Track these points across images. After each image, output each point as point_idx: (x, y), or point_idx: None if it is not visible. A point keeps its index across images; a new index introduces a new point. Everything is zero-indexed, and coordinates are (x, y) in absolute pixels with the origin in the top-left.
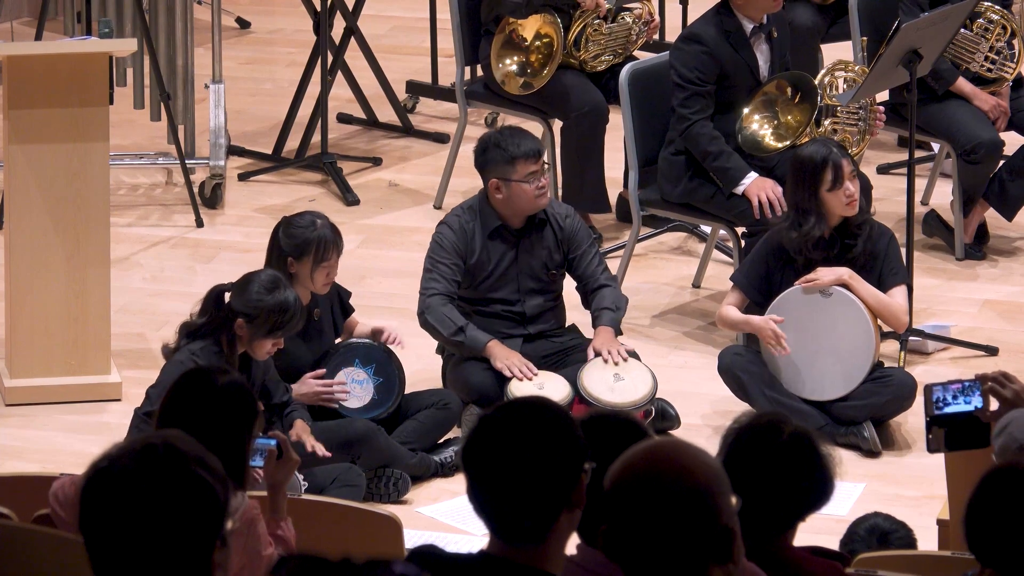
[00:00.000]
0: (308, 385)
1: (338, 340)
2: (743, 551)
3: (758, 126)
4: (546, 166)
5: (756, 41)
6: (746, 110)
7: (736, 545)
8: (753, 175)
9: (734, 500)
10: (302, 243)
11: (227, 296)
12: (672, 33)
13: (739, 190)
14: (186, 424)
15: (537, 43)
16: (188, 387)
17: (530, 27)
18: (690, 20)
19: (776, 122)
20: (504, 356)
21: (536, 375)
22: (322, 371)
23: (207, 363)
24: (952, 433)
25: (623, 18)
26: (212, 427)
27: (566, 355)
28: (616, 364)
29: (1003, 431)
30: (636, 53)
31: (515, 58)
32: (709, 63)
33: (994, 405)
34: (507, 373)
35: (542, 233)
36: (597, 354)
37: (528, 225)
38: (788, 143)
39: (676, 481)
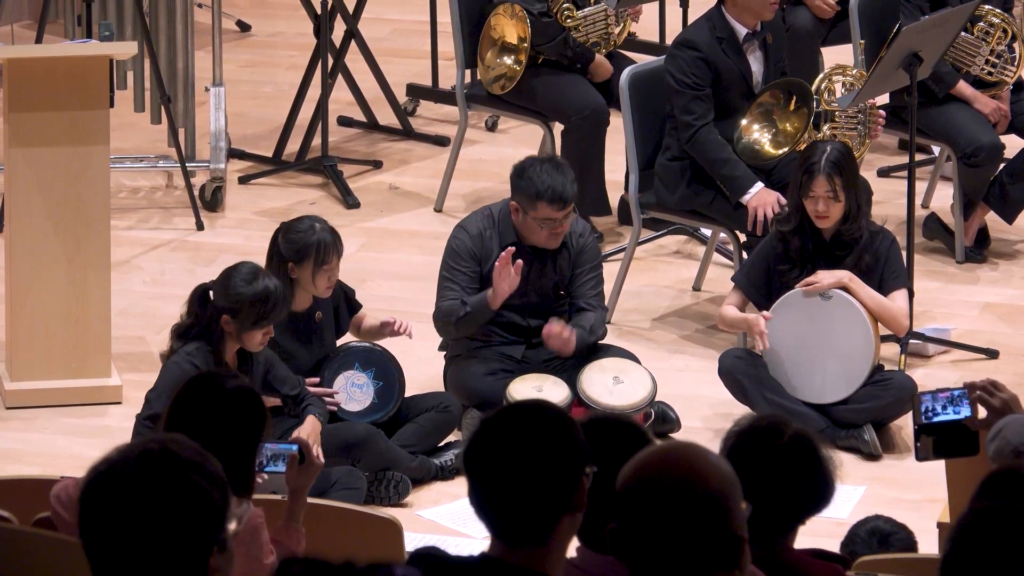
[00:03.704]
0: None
1: (345, 336)
2: (750, 560)
3: (758, 135)
4: (572, 216)
5: (750, 48)
6: (744, 121)
7: (744, 554)
8: (759, 186)
9: (745, 507)
10: (302, 247)
11: (211, 294)
12: (672, 36)
13: (745, 199)
14: (194, 428)
15: (524, 45)
16: (196, 391)
17: (512, 33)
18: (690, 22)
19: (774, 130)
20: (497, 287)
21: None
22: (316, 380)
23: (204, 364)
24: (940, 441)
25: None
26: (219, 432)
27: (567, 359)
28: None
29: (997, 435)
30: (635, 56)
31: (508, 59)
32: (704, 67)
33: (983, 413)
34: (510, 271)
35: (558, 254)
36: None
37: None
38: (786, 149)
39: (689, 484)
